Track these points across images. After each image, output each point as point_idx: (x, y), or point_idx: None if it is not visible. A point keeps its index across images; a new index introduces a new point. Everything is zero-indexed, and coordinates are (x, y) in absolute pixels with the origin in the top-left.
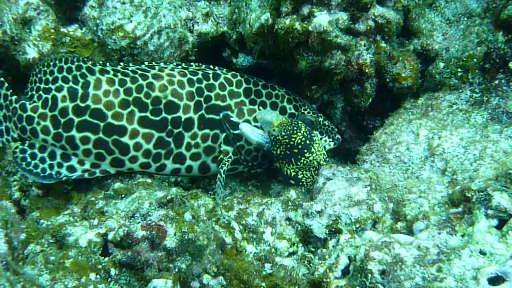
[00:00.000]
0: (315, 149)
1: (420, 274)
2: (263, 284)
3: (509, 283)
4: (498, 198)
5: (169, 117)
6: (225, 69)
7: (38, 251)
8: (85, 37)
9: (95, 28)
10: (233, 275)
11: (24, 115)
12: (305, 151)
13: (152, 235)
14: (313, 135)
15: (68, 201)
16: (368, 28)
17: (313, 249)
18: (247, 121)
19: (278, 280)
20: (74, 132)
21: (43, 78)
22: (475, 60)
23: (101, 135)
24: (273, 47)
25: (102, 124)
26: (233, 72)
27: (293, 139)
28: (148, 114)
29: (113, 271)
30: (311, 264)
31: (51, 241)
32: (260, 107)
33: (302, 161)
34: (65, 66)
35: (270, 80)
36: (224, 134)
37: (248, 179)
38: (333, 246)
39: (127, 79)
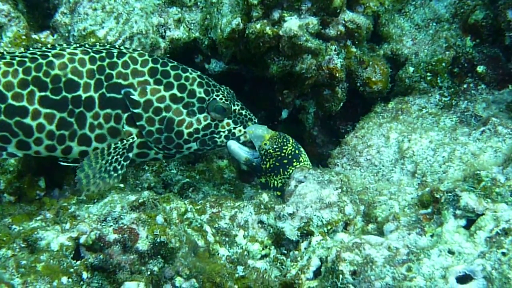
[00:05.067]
0: (302, 158)
1: (390, 274)
2: (236, 286)
3: (476, 282)
4: (466, 198)
5: (70, 96)
6: (132, 49)
7: (9, 256)
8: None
9: (66, 34)
10: (205, 277)
11: None
12: (294, 160)
13: (124, 238)
14: (299, 145)
15: (41, 207)
16: (339, 33)
17: (285, 251)
18: (149, 101)
19: (250, 282)
20: None
21: None
22: (443, 64)
23: (2, 117)
24: (244, 52)
25: (2, 106)
26: (141, 52)
27: (284, 151)
28: (48, 93)
29: (85, 275)
30: (283, 266)
31: (23, 245)
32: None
33: (289, 171)
34: None
35: (243, 86)
36: (127, 115)
37: (221, 183)
38: (305, 248)
39: (26, 59)
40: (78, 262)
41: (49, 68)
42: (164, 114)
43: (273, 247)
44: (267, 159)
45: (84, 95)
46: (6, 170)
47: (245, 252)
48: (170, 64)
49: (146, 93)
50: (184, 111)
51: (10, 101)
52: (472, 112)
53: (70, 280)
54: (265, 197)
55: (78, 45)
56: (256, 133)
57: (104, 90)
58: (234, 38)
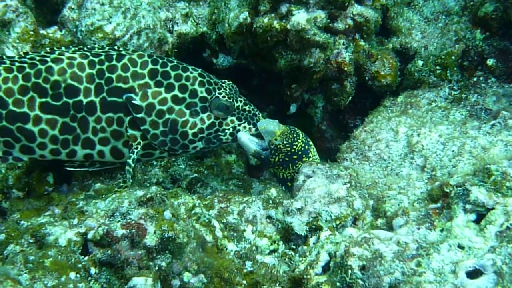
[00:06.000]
0: (311, 153)
1: (399, 269)
2: (244, 281)
3: (487, 276)
4: (476, 192)
5: (71, 101)
6: (131, 50)
7: (17, 251)
8: (64, 38)
9: (74, 29)
10: (214, 273)
11: None
12: (304, 156)
13: (132, 233)
14: (309, 140)
15: (49, 203)
16: (347, 26)
17: (294, 247)
18: (152, 104)
19: (259, 277)
20: None
21: None
22: (453, 57)
23: (4, 123)
24: (252, 46)
25: (4, 112)
26: (141, 53)
27: (294, 147)
28: (48, 99)
29: (93, 270)
30: (292, 261)
31: (31, 241)
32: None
33: (298, 166)
34: None
35: (251, 80)
36: (129, 118)
37: (229, 178)
38: (313, 243)
39: (25, 65)
40: (86, 258)
41: (48, 74)
42: (167, 116)
43: (281, 242)
44: (276, 154)
45: (85, 100)
46: (14, 166)
47: (254, 247)
48: (170, 64)
49: (148, 96)
50: (187, 111)
51: (11, 107)
52: (482, 106)
53: (78, 275)
54: (273, 192)
55: (76, 48)
56: (267, 128)
57: (105, 94)
58: (241, 32)
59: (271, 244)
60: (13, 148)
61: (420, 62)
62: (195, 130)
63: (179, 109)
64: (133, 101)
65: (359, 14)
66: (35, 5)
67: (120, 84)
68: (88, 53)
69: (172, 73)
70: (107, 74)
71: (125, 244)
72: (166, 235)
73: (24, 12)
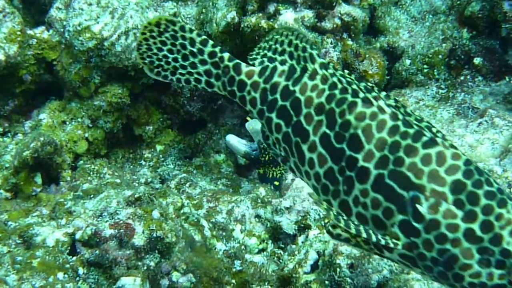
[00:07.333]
0: None
1: (387, 267)
2: (233, 281)
3: None
4: None
5: (347, 152)
6: (451, 143)
7: (5, 252)
8: (52, 39)
9: (62, 29)
10: (202, 272)
11: (237, 78)
12: None
13: (120, 233)
14: None
15: (37, 203)
16: (335, 26)
17: (283, 245)
18: (437, 222)
19: (247, 276)
20: (273, 115)
21: (273, 46)
22: (440, 56)
23: (289, 129)
24: (240, 45)
25: (294, 120)
26: (458, 152)
27: None
28: (332, 134)
29: (81, 270)
30: (281, 260)
31: (19, 241)
32: None
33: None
34: (295, 42)
35: None
36: (402, 218)
37: (218, 178)
38: (302, 242)
39: (339, 84)
40: (74, 258)
41: (349, 109)
42: (448, 247)
43: (270, 241)
44: (266, 152)
45: (361, 163)
46: (2, 167)
47: (242, 247)
48: (486, 188)
49: (438, 210)
50: (477, 256)
51: (301, 118)
52: (469, 104)
53: (66, 276)
54: (262, 191)
55: (397, 103)
56: (255, 128)
57: (386, 172)
58: (229, 32)
59: (260, 243)
60: (289, 159)
61: (408, 61)
62: (475, 281)
63: (467, 248)
64: (417, 204)
65: (346, 13)
66: (22, 5)
67: (410, 174)
68: (400, 116)
69: (483, 201)
70: (401, 153)
71: (113, 244)
72: (154, 235)
73: (11, 12)
